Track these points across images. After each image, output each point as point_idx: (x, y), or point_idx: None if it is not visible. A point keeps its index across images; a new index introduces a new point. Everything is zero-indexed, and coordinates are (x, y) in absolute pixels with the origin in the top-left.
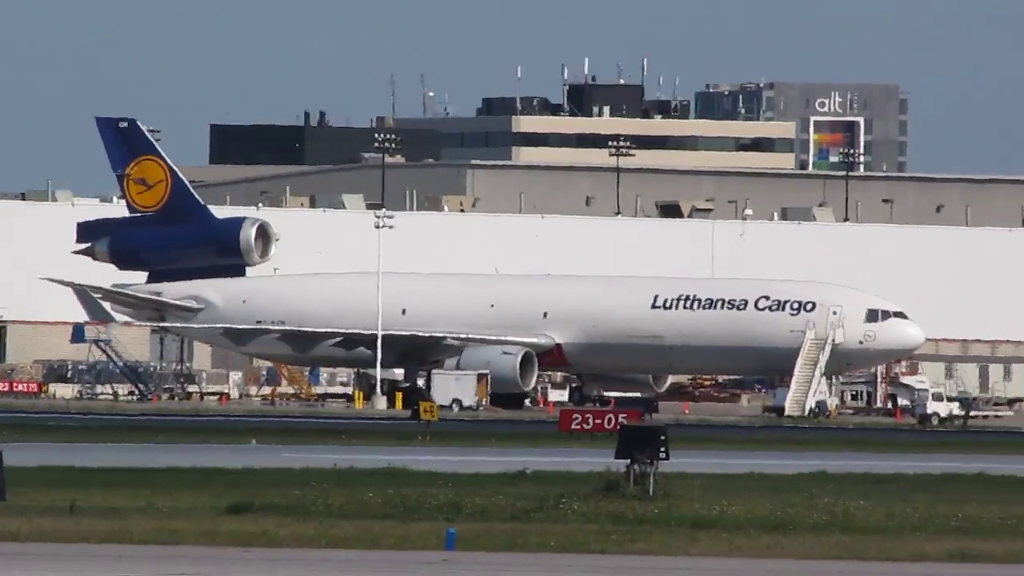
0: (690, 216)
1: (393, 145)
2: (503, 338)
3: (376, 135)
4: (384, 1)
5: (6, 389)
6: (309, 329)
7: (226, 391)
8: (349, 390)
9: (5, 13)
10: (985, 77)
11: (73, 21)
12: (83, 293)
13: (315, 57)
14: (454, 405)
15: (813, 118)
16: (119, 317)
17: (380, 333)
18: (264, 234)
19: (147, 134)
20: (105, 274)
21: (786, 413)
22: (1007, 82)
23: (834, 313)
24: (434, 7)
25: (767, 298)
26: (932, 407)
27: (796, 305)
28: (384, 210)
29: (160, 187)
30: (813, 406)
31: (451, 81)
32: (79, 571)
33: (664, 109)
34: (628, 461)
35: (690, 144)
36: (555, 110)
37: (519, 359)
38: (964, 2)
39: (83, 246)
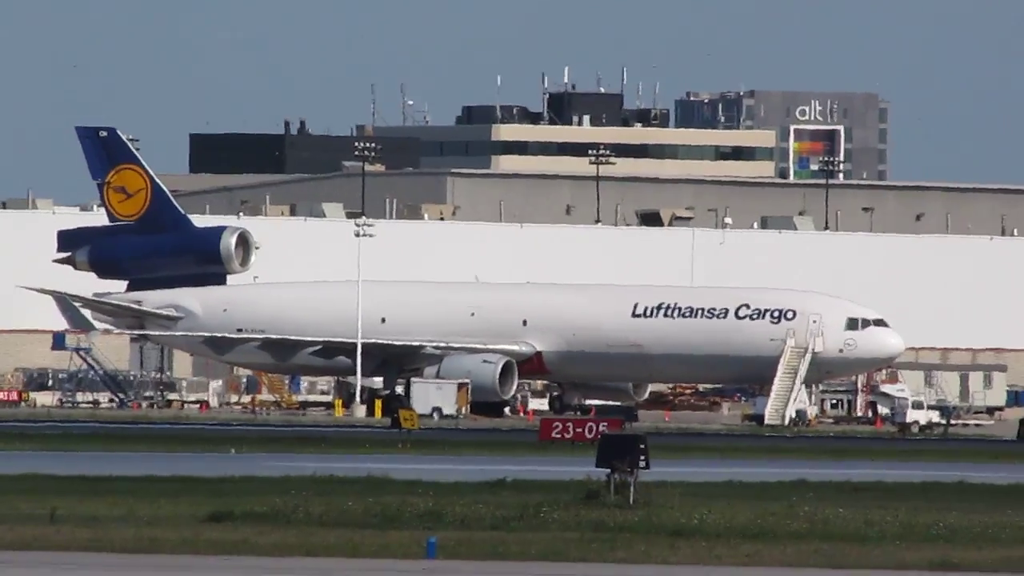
0: (670, 224)
1: (373, 154)
2: (483, 346)
3: (356, 144)
4: (364, 10)
5: None
6: (289, 338)
7: (206, 399)
8: (329, 398)
9: None
10: (965, 85)
11: (53, 30)
12: (63, 301)
13: (295, 66)
14: (434, 413)
15: (793, 126)
16: (99, 325)
17: (360, 342)
18: (244, 243)
19: (127, 143)
20: (86, 283)
21: (766, 422)
22: (987, 90)
23: (814, 322)
24: (414, 16)
25: (747, 307)
26: (912, 415)
27: (776, 314)
28: (364, 218)
29: (140, 196)
30: (793, 415)
31: (431, 90)
32: None
33: (644, 117)
34: (608, 470)
35: (670, 152)
36: (535, 119)
37: (499, 368)
38: (944, 11)
39: (63, 255)
